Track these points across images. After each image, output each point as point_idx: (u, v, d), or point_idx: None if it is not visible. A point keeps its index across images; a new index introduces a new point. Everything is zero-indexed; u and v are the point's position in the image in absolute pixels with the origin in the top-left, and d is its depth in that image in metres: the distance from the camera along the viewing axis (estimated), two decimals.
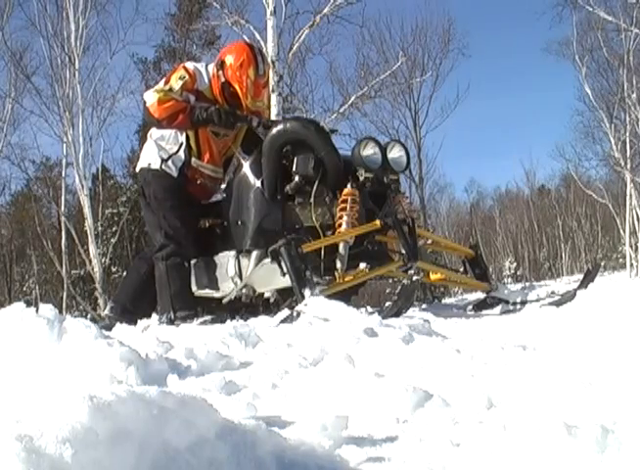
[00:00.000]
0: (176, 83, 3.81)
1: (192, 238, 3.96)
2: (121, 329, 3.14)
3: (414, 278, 3.30)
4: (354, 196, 3.62)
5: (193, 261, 4.18)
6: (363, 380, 1.62)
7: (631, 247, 16.84)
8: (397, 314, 3.07)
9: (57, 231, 16.86)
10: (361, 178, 3.66)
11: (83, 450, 0.85)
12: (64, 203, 14.37)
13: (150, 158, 3.95)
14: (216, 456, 1.00)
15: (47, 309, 1.82)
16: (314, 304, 2.99)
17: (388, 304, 3.46)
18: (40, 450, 0.83)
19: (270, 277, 3.56)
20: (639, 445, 1.00)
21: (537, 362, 1.75)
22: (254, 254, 3.79)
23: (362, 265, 3.51)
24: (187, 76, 3.84)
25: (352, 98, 11.90)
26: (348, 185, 3.64)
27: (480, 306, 3.91)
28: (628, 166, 15.38)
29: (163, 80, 3.94)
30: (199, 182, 4.01)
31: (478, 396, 1.44)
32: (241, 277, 3.86)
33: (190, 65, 4.00)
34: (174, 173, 3.92)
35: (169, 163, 3.90)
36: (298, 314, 2.97)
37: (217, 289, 4.03)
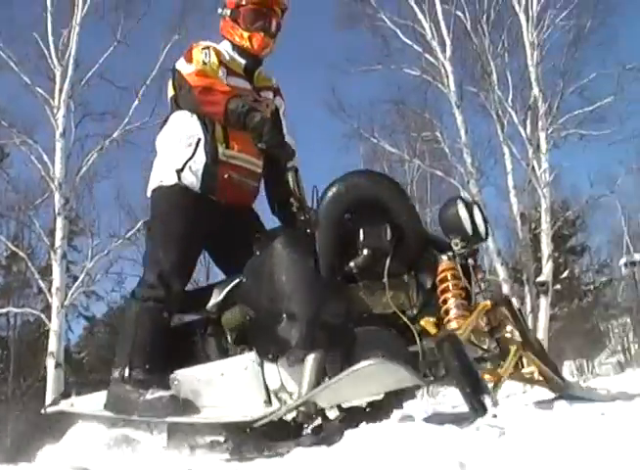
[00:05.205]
0: (206, 56, 2.87)
1: (185, 283, 2.98)
2: None
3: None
4: (454, 271, 2.79)
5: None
6: None
7: None
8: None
9: None
10: (456, 248, 2.86)
11: None
12: None
13: (161, 174, 2.96)
14: None
15: None
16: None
17: None
18: None
19: (363, 385, 2.56)
20: None
21: None
22: (312, 357, 2.75)
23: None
24: (210, 47, 2.98)
25: (139, 223, 11.78)
26: (444, 257, 2.81)
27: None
28: None
29: (183, 58, 2.94)
30: (226, 176, 2.96)
31: None
32: (286, 391, 2.78)
33: (203, 42, 3.05)
34: (196, 183, 2.90)
35: (186, 172, 2.90)
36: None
37: (238, 410, 2.88)
